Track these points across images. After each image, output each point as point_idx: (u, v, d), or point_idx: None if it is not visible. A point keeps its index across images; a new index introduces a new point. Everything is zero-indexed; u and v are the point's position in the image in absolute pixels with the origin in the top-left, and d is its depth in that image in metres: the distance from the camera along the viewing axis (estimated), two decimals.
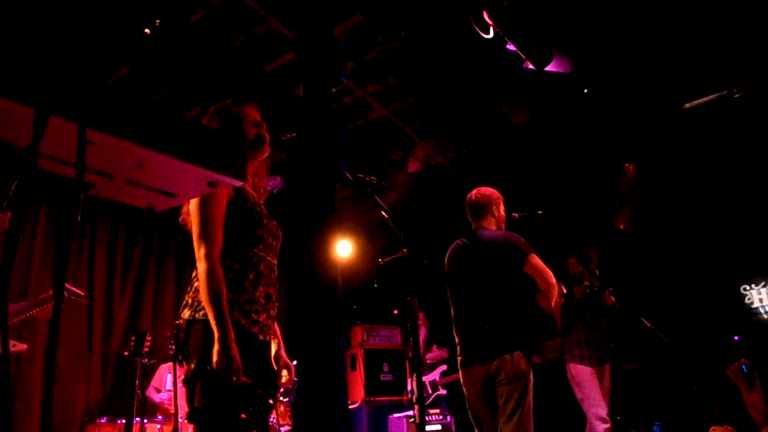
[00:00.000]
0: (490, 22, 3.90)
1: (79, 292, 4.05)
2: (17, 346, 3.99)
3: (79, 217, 0.96)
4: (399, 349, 7.03)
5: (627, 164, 6.48)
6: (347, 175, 2.62)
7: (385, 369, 6.78)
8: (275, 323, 2.31)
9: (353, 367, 6.71)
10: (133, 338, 4.29)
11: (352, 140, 5.94)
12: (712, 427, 3.61)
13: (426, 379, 6.78)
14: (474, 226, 3.72)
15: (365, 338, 6.87)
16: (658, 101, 5.59)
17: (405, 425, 5.86)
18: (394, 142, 6.45)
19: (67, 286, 3.98)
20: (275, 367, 2.31)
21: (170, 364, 4.93)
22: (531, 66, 4.23)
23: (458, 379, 3.62)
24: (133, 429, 4.07)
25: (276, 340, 2.37)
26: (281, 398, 5.14)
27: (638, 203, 6.37)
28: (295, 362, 5.45)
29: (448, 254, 3.72)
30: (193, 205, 2.08)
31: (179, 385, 5.06)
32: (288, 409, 5.14)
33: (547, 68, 4.27)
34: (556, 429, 5.36)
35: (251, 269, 2.13)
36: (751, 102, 5.33)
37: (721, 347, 6.02)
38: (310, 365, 3.38)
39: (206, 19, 4.47)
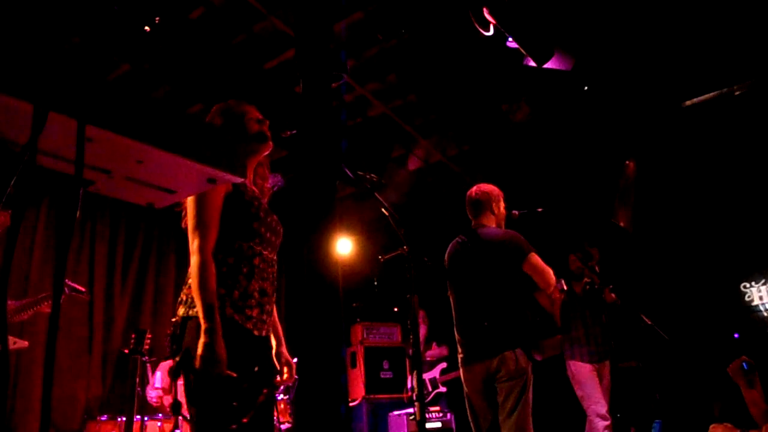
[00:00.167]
0: (490, 19, 3.89)
1: (80, 288, 4.06)
2: (18, 343, 4.00)
3: (78, 214, 0.95)
4: (399, 346, 7.04)
5: (627, 161, 6.48)
6: (348, 172, 2.61)
7: (385, 366, 6.79)
8: (276, 320, 2.30)
9: (353, 365, 6.72)
10: (133, 336, 4.30)
11: (353, 138, 5.94)
12: (712, 425, 3.62)
13: (426, 376, 6.79)
14: (474, 223, 3.72)
15: (365, 336, 6.88)
16: (658, 98, 5.58)
17: (405, 423, 5.87)
18: (395, 139, 6.45)
19: (68, 282, 3.99)
20: (276, 364, 2.30)
21: (170, 362, 4.93)
22: (531, 63, 4.22)
23: (458, 377, 3.62)
24: (134, 426, 4.07)
25: (276, 337, 2.36)
26: (282, 395, 5.15)
27: (638, 200, 6.37)
28: (295, 359, 5.47)
29: (447, 252, 3.71)
30: (188, 198, 2.07)
31: (180, 381, 5.05)
32: (288, 406, 5.14)
33: (548, 65, 4.26)
34: (556, 426, 5.36)
35: (245, 263, 2.11)
36: (751, 99, 5.32)
37: (721, 345, 6.02)
38: (310, 363, 3.38)
39: (206, 17, 4.46)
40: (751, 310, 6.41)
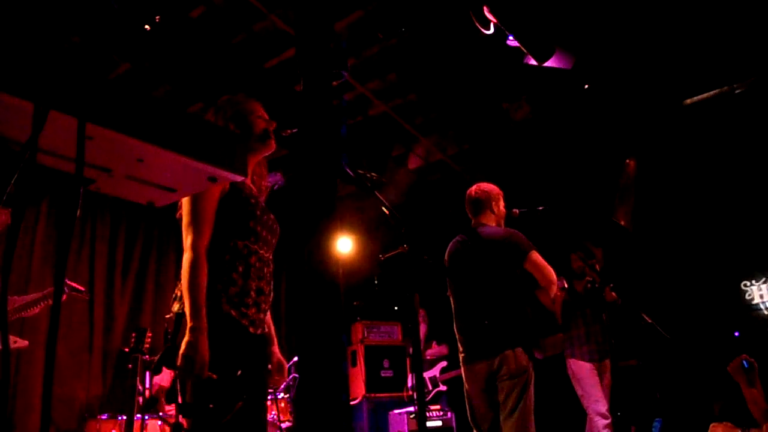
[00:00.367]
0: (490, 18, 3.89)
1: (80, 287, 4.05)
2: (18, 343, 3.99)
3: (79, 213, 0.95)
4: (399, 345, 7.04)
5: (628, 160, 6.47)
6: (348, 171, 2.61)
7: (386, 365, 6.79)
8: (269, 320, 2.29)
9: (354, 364, 6.72)
10: (133, 335, 4.30)
11: (353, 137, 5.94)
12: (713, 424, 3.62)
13: (426, 375, 6.79)
14: (473, 222, 3.72)
15: (366, 334, 6.88)
16: (659, 97, 5.58)
17: (405, 421, 5.87)
18: (395, 138, 6.45)
19: (68, 281, 3.99)
20: (269, 364, 2.29)
21: None
22: (532, 62, 4.22)
23: (458, 376, 3.62)
24: (134, 426, 4.07)
25: (269, 337, 2.33)
26: (282, 394, 5.15)
27: (639, 199, 6.36)
28: (295, 358, 5.48)
29: (447, 251, 3.71)
30: None
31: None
32: (288, 405, 5.15)
33: (548, 64, 4.26)
34: (557, 425, 5.36)
35: (241, 261, 2.09)
36: (752, 98, 5.32)
37: (722, 343, 6.02)
38: (311, 361, 3.38)
39: (206, 16, 4.46)
40: (752, 309, 6.41)
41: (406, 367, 6.87)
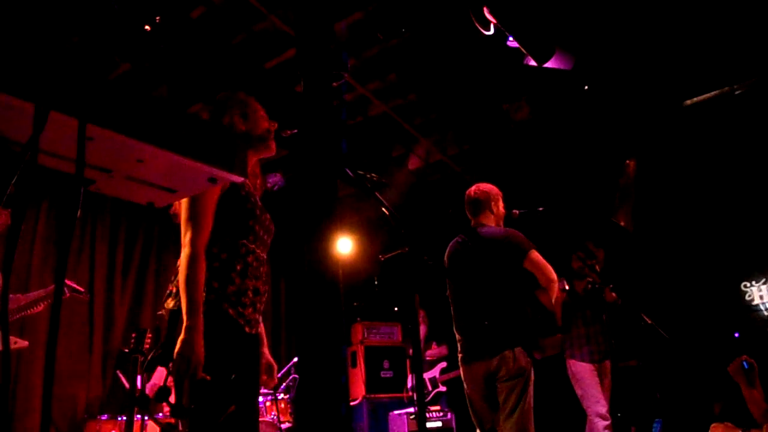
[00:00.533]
0: (490, 18, 3.89)
1: (80, 288, 4.05)
2: (18, 343, 4.00)
3: (79, 213, 0.95)
4: (399, 346, 7.04)
5: (628, 161, 6.47)
6: (348, 172, 2.61)
7: (386, 366, 6.79)
8: (260, 319, 2.27)
9: (354, 364, 6.72)
10: (133, 335, 4.29)
11: (353, 137, 5.94)
12: (713, 424, 3.62)
13: (426, 376, 6.79)
14: (473, 222, 3.72)
15: (366, 335, 6.88)
16: (659, 98, 5.58)
17: (405, 422, 5.87)
18: (395, 139, 6.45)
19: (68, 282, 3.99)
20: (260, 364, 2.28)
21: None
22: (532, 62, 4.22)
23: (458, 376, 3.62)
24: (134, 426, 4.07)
25: (261, 337, 2.31)
26: (282, 395, 5.15)
27: (639, 200, 6.36)
28: (295, 359, 5.47)
29: (447, 251, 3.71)
30: None
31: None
32: (289, 405, 5.15)
33: (548, 65, 4.26)
34: (557, 426, 5.36)
35: (239, 260, 2.08)
36: (752, 99, 5.32)
37: (722, 344, 6.02)
38: (310, 362, 3.38)
39: (206, 16, 4.46)
40: (752, 310, 6.41)
41: (406, 367, 6.88)
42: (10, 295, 3.87)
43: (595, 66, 5.01)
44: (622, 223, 6.29)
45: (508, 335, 3.27)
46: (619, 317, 4.66)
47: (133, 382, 4.09)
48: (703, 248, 6.37)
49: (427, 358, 6.93)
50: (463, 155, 6.79)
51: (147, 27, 4.08)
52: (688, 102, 5.52)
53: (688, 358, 5.93)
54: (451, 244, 3.72)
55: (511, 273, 3.43)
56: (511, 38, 4.05)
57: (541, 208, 3.78)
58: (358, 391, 6.53)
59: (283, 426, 4.85)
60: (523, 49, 4.10)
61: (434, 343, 7.08)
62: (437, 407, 6.28)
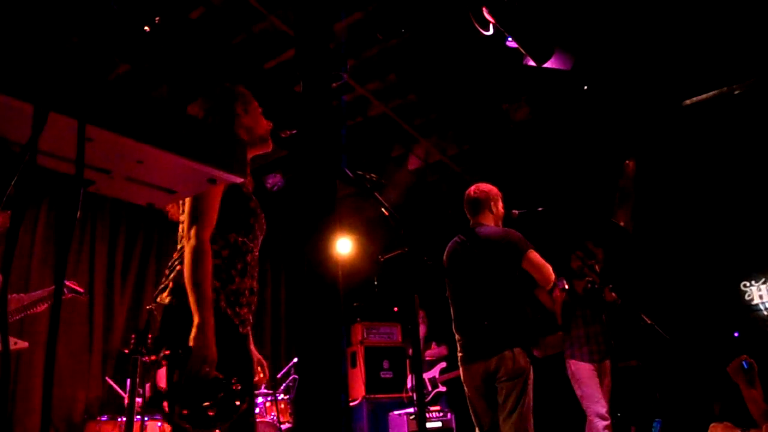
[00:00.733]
0: (489, 19, 3.89)
1: (79, 289, 4.05)
2: (18, 344, 4.00)
3: (78, 214, 0.95)
4: (399, 346, 7.04)
5: (627, 161, 6.48)
6: (347, 172, 2.61)
7: (385, 366, 6.79)
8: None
9: (353, 365, 6.71)
10: (133, 336, 4.29)
11: (352, 137, 5.94)
12: (712, 424, 3.62)
13: (425, 376, 6.79)
14: (472, 222, 3.72)
15: (365, 335, 6.88)
16: (658, 98, 5.59)
17: (405, 422, 5.87)
18: (394, 139, 6.45)
19: (68, 283, 3.99)
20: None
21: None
22: (531, 63, 4.22)
23: (457, 377, 3.62)
24: (134, 427, 4.07)
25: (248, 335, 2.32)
26: (282, 395, 5.15)
27: (638, 200, 6.37)
28: (295, 359, 5.47)
29: (446, 251, 3.71)
30: None
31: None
32: (288, 406, 5.14)
33: (547, 65, 4.26)
34: (556, 426, 5.36)
35: (240, 259, 2.06)
36: (751, 99, 5.33)
37: (721, 344, 6.03)
38: (310, 362, 3.38)
39: (206, 17, 4.46)
40: (751, 309, 6.41)
41: (405, 368, 6.87)
42: (14, 295, 3.88)
43: (594, 66, 5.01)
44: (622, 224, 6.30)
45: (508, 335, 3.28)
46: (618, 317, 4.67)
47: (133, 384, 4.08)
48: (703, 248, 6.37)
49: (427, 359, 6.93)
50: (463, 155, 6.79)
51: (146, 27, 4.08)
52: (688, 102, 5.53)
53: (688, 358, 5.93)
54: (449, 244, 3.72)
55: (510, 273, 3.43)
56: (510, 38, 4.05)
57: (540, 208, 3.79)
58: (358, 391, 6.53)
59: (283, 426, 4.85)
60: (522, 50, 4.11)
61: (434, 343, 7.08)
62: (437, 407, 6.28)
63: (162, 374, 5.22)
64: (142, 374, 4.43)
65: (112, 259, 6.07)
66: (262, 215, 2.25)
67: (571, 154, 6.34)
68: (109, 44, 4.41)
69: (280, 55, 4.93)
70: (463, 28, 4.10)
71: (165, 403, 1.78)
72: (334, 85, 3.85)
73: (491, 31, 3.99)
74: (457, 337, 3.52)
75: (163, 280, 2.03)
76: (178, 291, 1.93)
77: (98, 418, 4.78)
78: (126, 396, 4.82)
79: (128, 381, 3.96)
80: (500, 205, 3.73)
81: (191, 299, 1.83)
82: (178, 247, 2.11)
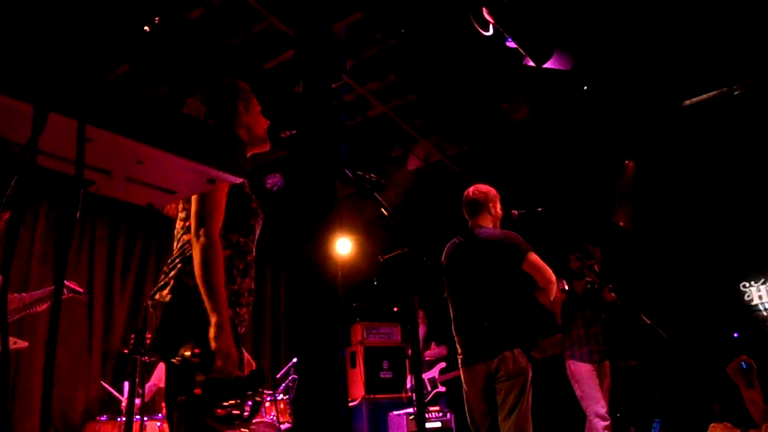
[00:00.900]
0: (489, 19, 3.89)
1: (79, 288, 4.05)
2: (18, 344, 4.00)
3: (78, 214, 0.95)
4: (399, 346, 7.04)
5: (627, 161, 6.48)
6: (347, 172, 2.61)
7: (385, 366, 6.79)
8: None
9: (353, 365, 6.71)
10: (133, 336, 4.29)
11: (352, 138, 5.94)
12: (712, 424, 3.62)
13: (425, 376, 6.79)
14: (470, 223, 3.72)
15: (365, 335, 6.88)
16: (658, 98, 5.59)
17: (405, 422, 5.87)
18: (394, 139, 6.45)
19: (67, 283, 3.99)
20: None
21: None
22: (531, 63, 4.22)
23: (457, 377, 3.62)
24: (134, 427, 4.07)
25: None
26: (282, 395, 5.15)
27: (638, 200, 6.37)
28: (294, 359, 5.47)
29: (445, 252, 3.71)
30: None
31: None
32: (288, 406, 5.14)
33: (547, 65, 4.26)
34: (556, 426, 5.36)
35: (241, 259, 2.04)
36: (751, 99, 5.33)
37: (721, 344, 6.02)
38: (310, 363, 3.38)
39: (206, 17, 4.46)
40: (751, 310, 6.41)
41: (405, 368, 6.87)
42: (15, 295, 3.88)
43: (594, 66, 5.01)
44: (622, 224, 6.30)
45: (508, 336, 3.28)
46: (618, 317, 4.67)
47: (132, 384, 4.08)
48: (703, 248, 6.37)
49: (427, 359, 6.93)
50: (463, 156, 6.79)
51: (146, 28, 4.08)
52: (687, 102, 5.53)
53: (688, 358, 5.93)
54: (448, 245, 3.72)
55: (510, 274, 3.43)
56: (509, 39, 4.05)
57: (540, 209, 3.79)
58: (358, 391, 6.53)
59: (283, 426, 4.85)
60: (521, 50, 4.11)
61: (433, 343, 7.08)
62: (436, 408, 6.28)
63: (159, 373, 5.22)
64: (141, 374, 4.44)
65: (111, 260, 6.07)
66: (263, 215, 2.25)
67: (571, 154, 6.34)
68: (109, 44, 4.41)
69: (279, 55, 4.93)
70: (463, 29, 4.10)
71: (196, 406, 1.73)
72: (334, 85, 3.84)
73: (491, 32, 3.99)
74: (457, 338, 3.52)
75: (163, 277, 2.00)
76: (179, 289, 1.91)
77: (98, 418, 4.78)
78: (123, 398, 4.83)
79: (128, 381, 3.96)
80: (499, 206, 3.73)
81: (206, 299, 1.79)
82: (175, 244, 2.09)
